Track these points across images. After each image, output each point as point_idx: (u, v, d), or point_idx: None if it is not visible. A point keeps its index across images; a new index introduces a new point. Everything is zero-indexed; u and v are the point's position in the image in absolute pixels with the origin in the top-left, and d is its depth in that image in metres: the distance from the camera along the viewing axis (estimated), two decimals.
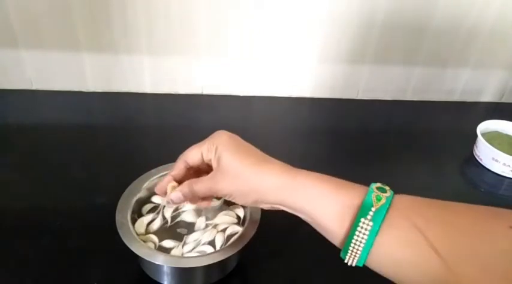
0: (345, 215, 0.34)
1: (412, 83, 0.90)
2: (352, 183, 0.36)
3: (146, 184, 0.50)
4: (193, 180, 0.42)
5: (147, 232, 0.47)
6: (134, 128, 0.75)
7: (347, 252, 0.33)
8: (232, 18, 0.77)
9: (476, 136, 0.74)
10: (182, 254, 0.45)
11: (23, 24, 0.73)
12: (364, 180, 0.36)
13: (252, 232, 0.45)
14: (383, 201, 0.33)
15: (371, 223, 0.32)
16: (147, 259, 0.41)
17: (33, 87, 0.80)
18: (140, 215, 0.49)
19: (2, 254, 0.49)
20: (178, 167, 0.43)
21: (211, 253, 0.43)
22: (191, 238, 0.47)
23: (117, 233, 0.43)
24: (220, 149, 0.39)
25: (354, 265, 0.34)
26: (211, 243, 0.46)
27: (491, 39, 0.85)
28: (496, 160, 0.71)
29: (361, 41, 0.82)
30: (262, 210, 0.46)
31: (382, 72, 0.88)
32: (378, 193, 0.33)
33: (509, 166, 0.69)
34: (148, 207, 0.50)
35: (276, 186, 0.37)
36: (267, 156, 0.40)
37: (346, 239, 0.33)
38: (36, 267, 0.48)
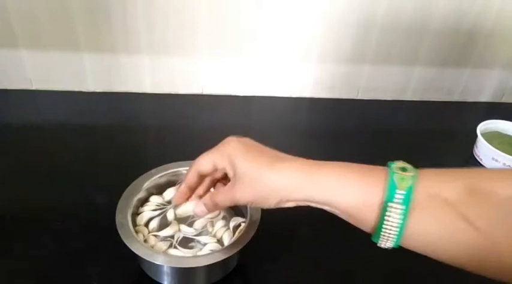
0: (373, 204, 0.33)
1: (412, 83, 0.90)
2: (374, 167, 0.35)
3: (146, 184, 0.50)
4: (214, 192, 0.42)
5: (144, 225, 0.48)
6: (134, 128, 0.75)
7: (379, 237, 0.33)
8: (232, 18, 0.77)
9: (476, 136, 0.74)
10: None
11: (23, 24, 0.73)
12: None
13: (252, 232, 0.45)
14: (408, 182, 0.32)
15: (400, 206, 0.32)
16: (147, 259, 0.41)
17: (33, 87, 0.80)
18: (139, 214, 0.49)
19: (2, 254, 0.49)
20: (192, 176, 0.43)
21: (211, 253, 0.43)
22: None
23: (117, 233, 0.43)
24: (233, 157, 0.39)
25: (388, 247, 0.34)
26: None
27: (491, 39, 0.85)
28: (496, 160, 0.70)
29: (361, 41, 0.82)
30: (262, 210, 0.46)
31: (382, 72, 0.87)
32: (401, 174, 0.33)
33: (509, 166, 0.69)
34: (146, 206, 0.50)
35: (298, 184, 0.36)
36: (281, 154, 0.39)
37: (377, 226, 0.33)
38: (36, 267, 0.48)
